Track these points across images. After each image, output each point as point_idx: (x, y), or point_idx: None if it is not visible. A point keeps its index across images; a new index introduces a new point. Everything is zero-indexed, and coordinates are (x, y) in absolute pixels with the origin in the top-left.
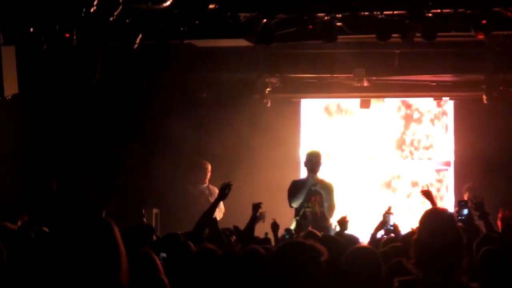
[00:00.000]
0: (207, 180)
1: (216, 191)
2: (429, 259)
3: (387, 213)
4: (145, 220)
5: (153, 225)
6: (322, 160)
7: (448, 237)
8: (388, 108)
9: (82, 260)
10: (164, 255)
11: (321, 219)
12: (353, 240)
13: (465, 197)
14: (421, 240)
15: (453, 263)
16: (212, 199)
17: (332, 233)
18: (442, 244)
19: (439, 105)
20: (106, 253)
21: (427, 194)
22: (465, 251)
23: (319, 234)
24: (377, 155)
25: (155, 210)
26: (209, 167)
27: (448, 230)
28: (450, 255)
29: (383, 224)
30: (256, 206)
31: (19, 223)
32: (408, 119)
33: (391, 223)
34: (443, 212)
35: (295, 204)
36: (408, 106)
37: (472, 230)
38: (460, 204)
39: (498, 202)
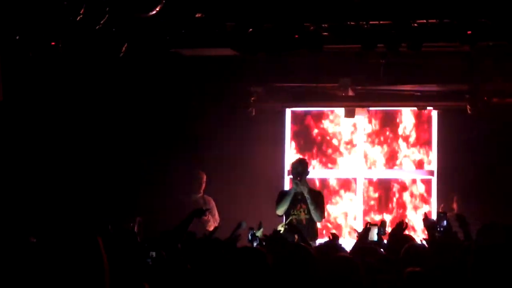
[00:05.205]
0: (201, 190)
1: (211, 201)
2: None
3: (371, 224)
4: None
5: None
6: (309, 169)
7: None
8: (372, 118)
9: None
10: (153, 254)
11: (307, 227)
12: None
13: (454, 205)
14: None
15: None
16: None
17: (317, 241)
18: None
19: (423, 114)
20: (91, 270)
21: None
22: None
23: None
24: (361, 164)
25: (138, 218)
26: (204, 177)
27: None
28: None
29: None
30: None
31: None
32: (392, 128)
33: (375, 237)
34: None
35: (280, 211)
36: (392, 115)
37: (452, 241)
38: (439, 215)
39: (481, 211)
